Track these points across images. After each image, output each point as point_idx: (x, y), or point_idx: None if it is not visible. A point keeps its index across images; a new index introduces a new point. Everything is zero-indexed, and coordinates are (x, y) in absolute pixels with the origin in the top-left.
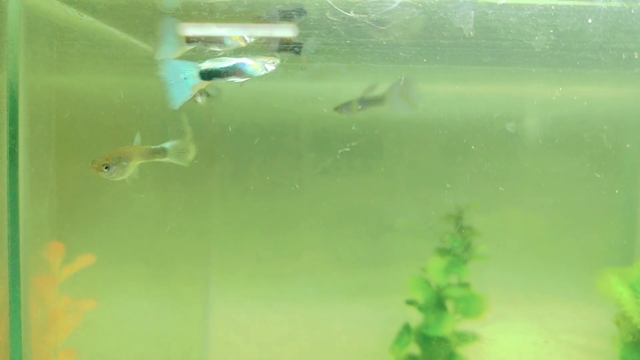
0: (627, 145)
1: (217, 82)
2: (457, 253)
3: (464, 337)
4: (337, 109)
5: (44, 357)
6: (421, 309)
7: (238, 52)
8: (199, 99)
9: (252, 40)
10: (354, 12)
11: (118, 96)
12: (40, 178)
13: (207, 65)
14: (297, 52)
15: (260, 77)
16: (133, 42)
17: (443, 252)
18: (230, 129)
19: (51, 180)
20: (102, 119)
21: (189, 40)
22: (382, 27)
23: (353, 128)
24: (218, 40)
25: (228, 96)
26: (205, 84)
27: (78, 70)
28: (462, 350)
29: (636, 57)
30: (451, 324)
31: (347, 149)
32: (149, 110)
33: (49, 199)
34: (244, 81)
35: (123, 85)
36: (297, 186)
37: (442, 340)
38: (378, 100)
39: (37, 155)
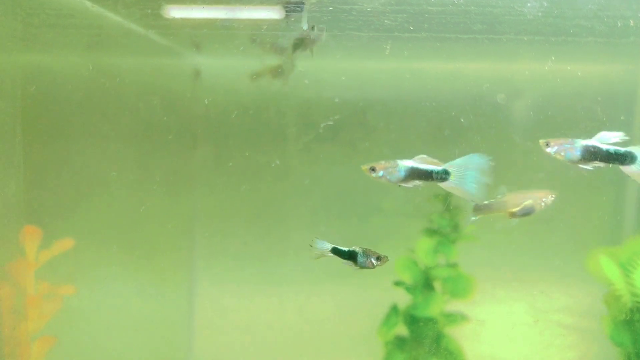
0: (622, 117)
1: None
2: (445, 233)
3: (453, 318)
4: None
5: (17, 345)
6: (409, 289)
7: None
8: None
9: None
10: None
11: (87, 69)
12: (5, 157)
13: None
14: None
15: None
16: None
17: (431, 232)
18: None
19: (18, 159)
20: (72, 93)
21: None
22: None
23: (336, 100)
24: None
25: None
26: None
27: (45, 43)
28: (451, 331)
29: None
30: (439, 305)
31: (330, 123)
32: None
33: (16, 179)
34: None
35: (92, 58)
36: (277, 162)
37: (430, 321)
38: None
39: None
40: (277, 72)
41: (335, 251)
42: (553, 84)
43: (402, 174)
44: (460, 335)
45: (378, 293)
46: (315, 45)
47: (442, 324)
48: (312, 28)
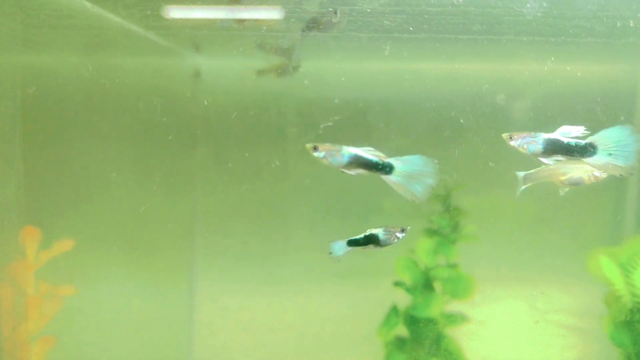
0: (622, 118)
1: None
2: (445, 233)
3: (453, 319)
4: None
5: (17, 345)
6: (409, 290)
7: None
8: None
9: None
10: None
11: (87, 70)
12: (5, 158)
13: None
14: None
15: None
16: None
17: (431, 232)
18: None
19: (17, 160)
20: (72, 94)
21: None
22: None
23: (336, 101)
24: None
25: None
26: None
27: (45, 44)
28: (451, 331)
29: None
30: (439, 305)
31: (330, 123)
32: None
33: (16, 180)
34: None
35: (92, 59)
36: (277, 163)
37: (431, 321)
38: None
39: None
40: (282, 71)
41: (353, 243)
42: (553, 84)
43: (345, 159)
44: (461, 336)
45: (378, 293)
46: (334, 29)
47: (442, 324)
48: (335, 12)
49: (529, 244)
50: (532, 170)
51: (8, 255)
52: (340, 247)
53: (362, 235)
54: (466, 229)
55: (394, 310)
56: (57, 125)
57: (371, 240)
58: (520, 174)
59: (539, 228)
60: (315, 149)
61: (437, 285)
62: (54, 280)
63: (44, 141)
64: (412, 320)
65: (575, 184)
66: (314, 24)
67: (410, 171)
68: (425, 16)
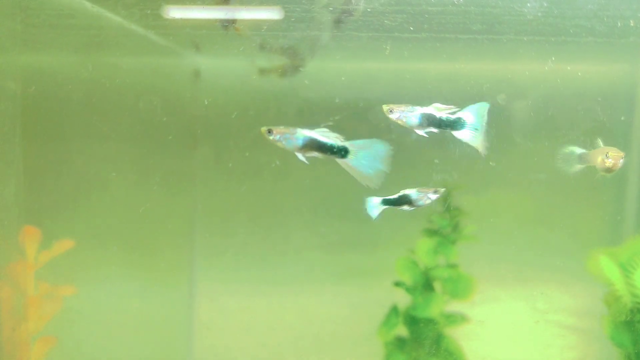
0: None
1: None
2: (445, 233)
3: (453, 319)
4: None
5: (17, 346)
6: (409, 290)
7: None
8: None
9: None
10: None
11: (86, 70)
12: (5, 157)
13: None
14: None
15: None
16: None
17: (431, 232)
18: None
19: (17, 159)
20: (71, 93)
21: None
22: None
23: (337, 101)
24: None
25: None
26: None
27: (45, 43)
28: (451, 331)
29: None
30: (439, 305)
31: (331, 123)
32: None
33: (15, 180)
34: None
35: (92, 59)
36: (278, 163)
37: (430, 321)
38: None
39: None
40: (284, 71)
41: (387, 202)
42: (553, 84)
43: (300, 142)
44: (461, 336)
45: (378, 294)
46: (349, 19)
47: (442, 324)
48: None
49: (529, 244)
50: (586, 151)
51: (8, 255)
52: (375, 204)
53: (396, 195)
54: (466, 229)
55: (394, 310)
56: (56, 125)
57: (405, 200)
58: (577, 150)
59: (539, 228)
60: (269, 132)
61: (437, 286)
62: (54, 281)
63: (44, 141)
64: (412, 321)
65: (608, 171)
66: (346, 14)
67: (364, 155)
68: (426, 16)
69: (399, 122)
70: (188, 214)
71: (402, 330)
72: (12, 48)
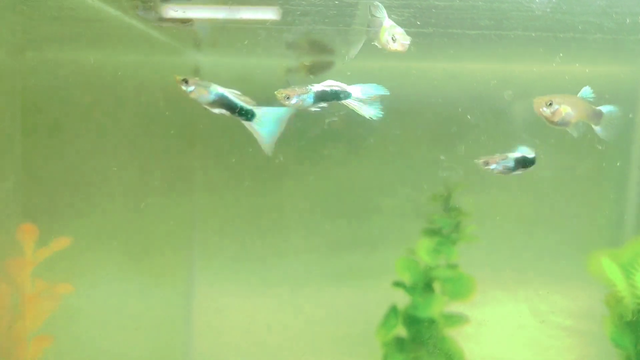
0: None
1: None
2: (445, 234)
3: (452, 319)
4: None
5: (13, 343)
6: (408, 290)
7: None
8: None
9: None
10: None
11: (86, 66)
12: (3, 154)
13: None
14: None
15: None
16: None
17: (431, 232)
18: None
19: (16, 156)
20: (71, 90)
21: None
22: None
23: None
24: None
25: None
26: None
27: (44, 40)
28: (451, 332)
29: None
30: (439, 306)
31: (335, 119)
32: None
33: (14, 177)
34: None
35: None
36: (281, 158)
37: (430, 322)
38: None
39: None
40: (314, 68)
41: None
42: (561, 81)
43: (211, 97)
44: (460, 337)
45: (377, 294)
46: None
47: (442, 325)
48: None
49: (530, 244)
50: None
51: (5, 252)
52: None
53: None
54: (467, 229)
55: (393, 310)
56: (54, 121)
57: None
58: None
59: (539, 229)
60: (185, 81)
61: (437, 286)
62: (51, 278)
63: (42, 137)
64: (411, 321)
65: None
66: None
67: (267, 121)
68: (433, 10)
69: (297, 106)
70: (187, 213)
71: (401, 331)
72: (13, 43)
